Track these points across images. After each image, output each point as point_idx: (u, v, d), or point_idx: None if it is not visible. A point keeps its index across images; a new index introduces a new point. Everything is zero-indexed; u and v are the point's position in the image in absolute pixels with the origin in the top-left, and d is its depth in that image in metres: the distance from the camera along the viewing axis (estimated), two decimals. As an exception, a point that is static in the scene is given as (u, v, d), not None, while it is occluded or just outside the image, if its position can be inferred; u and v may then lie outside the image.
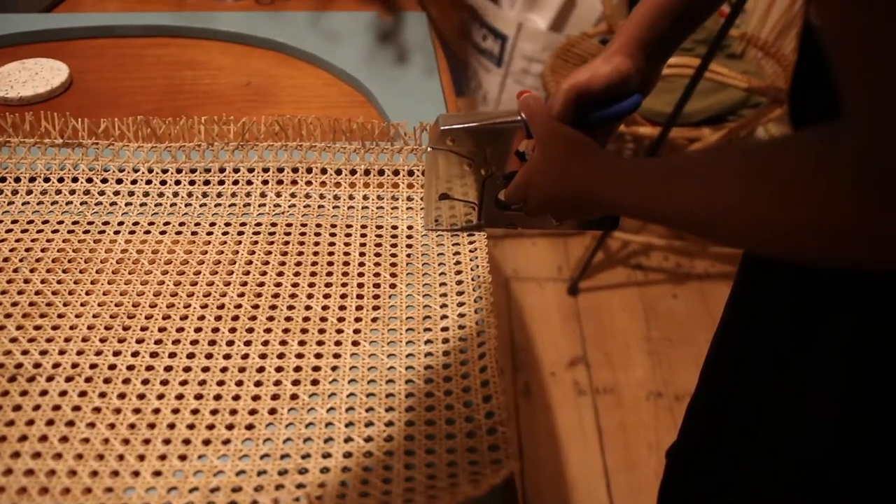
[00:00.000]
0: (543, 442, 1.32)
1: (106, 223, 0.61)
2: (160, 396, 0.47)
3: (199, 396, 0.47)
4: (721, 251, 1.69)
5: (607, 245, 1.71)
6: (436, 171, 0.57)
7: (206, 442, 0.45)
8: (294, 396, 0.47)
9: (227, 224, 0.61)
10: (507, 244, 1.72)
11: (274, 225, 0.61)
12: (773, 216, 0.34)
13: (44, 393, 0.47)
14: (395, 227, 0.61)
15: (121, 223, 0.61)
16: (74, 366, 0.49)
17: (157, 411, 0.47)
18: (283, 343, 0.51)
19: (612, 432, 1.34)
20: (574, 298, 1.60)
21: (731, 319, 0.67)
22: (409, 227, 0.61)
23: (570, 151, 0.50)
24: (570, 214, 0.56)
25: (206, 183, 0.64)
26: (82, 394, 0.47)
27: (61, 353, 0.50)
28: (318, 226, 0.61)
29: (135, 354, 0.50)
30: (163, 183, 0.64)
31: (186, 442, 0.45)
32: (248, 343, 0.51)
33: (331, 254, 0.58)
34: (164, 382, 0.48)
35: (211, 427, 0.46)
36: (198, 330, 0.52)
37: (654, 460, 1.29)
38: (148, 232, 0.60)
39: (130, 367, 0.49)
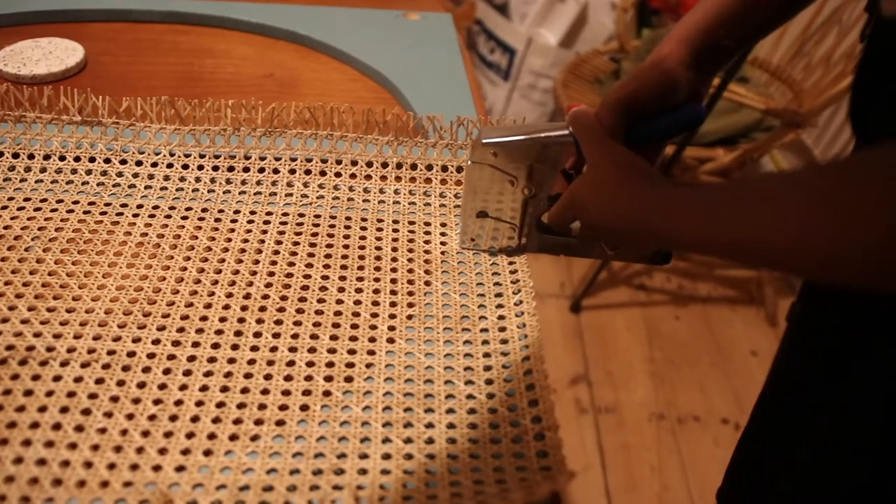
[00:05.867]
0: (543, 460, 1.29)
1: (124, 206, 0.58)
2: (183, 387, 0.44)
3: (224, 389, 0.44)
4: (724, 274, 1.67)
5: (609, 264, 1.69)
6: (475, 186, 0.53)
7: (234, 437, 0.42)
8: (327, 393, 0.45)
9: (252, 213, 0.58)
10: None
11: (301, 216, 0.58)
12: (838, 241, 0.30)
13: (57, 378, 0.44)
14: (427, 224, 0.58)
15: (140, 206, 0.58)
16: (91, 351, 0.46)
17: (179, 403, 0.43)
18: (314, 337, 0.48)
19: (613, 452, 1.31)
20: (577, 316, 1.58)
21: (780, 356, 0.64)
22: (443, 225, 0.58)
23: (620, 176, 0.45)
24: (622, 244, 0.52)
25: (231, 170, 0.61)
26: (99, 381, 0.44)
27: (77, 337, 0.47)
28: (348, 219, 0.58)
29: (156, 342, 0.47)
30: (185, 167, 0.61)
31: (212, 436, 0.42)
32: (276, 335, 0.48)
33: (362, 248, 0.55)
34: (188, 373, 0.45)
35: (238, 422, 0.43)
36: (223, 319, 0.49)
37: (656, 483, 1.26)
38: (169, 217, 0.57)
39: (151, 356, 0.46)
